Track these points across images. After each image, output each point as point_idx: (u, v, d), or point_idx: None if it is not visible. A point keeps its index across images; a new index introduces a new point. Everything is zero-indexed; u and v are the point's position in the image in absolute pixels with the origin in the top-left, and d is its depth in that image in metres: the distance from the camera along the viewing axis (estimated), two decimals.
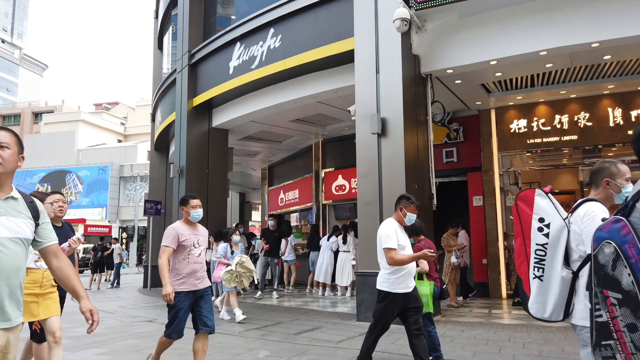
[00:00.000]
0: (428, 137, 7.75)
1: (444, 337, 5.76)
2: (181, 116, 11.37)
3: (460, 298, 8.90)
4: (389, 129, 7.14)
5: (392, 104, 7.15)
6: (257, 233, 16.42)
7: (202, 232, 4.28)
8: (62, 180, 36.89)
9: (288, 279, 11.81)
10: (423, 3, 6.94)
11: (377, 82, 7.34)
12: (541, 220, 2.38)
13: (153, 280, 13.48)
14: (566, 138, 9.46)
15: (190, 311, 4.05)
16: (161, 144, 15.01)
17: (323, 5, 8.40)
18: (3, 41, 77.61)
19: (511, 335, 5.91)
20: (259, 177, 18.25)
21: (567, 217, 2.35)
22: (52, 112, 50.35)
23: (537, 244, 2.37)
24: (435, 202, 7.59)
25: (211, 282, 5.77)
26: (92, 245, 19.61)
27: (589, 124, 9.27)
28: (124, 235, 34.47)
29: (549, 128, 9.58)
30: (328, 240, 10.97)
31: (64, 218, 3.99)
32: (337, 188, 12.58)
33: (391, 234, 3.91)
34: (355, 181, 10.51)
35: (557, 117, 9.51)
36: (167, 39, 15.09)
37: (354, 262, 9.85)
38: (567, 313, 2.32)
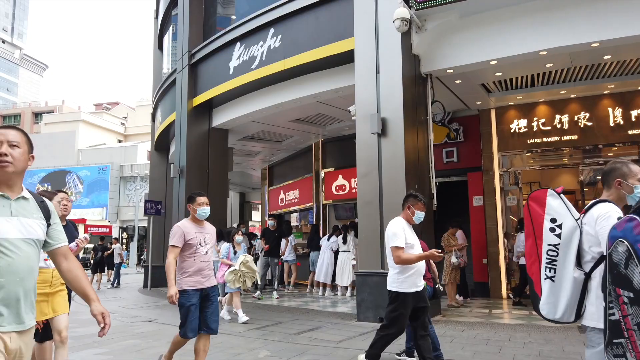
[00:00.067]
0: (428, 137, 7.75)
1: (444, 337, 5.76)
2: (181, 116, 11.37)
3: (461, 298, 8.90)
4: (389, 129, 7.14)
5: (392, 104, 7.15)
6: (258, 233, 16.43)
7: (209, 229, 4.23)
8: (62, 181, 36.88)
9: (288, 279, 11.82)
10: (423, 3, 6.94)
11: (377, 82, 7.34)
12: (553, 220, 2.35)
13: (153, 280, 13.49)
14: (566, 138, 9.46)
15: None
16: (161, 144, 15.01)
17: (323, 5, 8.40)
18: (3, 41, 77.62)
19: (511, 335, 5.91)
20: (259, 177, 18.25)
21: (579, 218, 2.33)
22: (52, 112, 50.37)
23: (548, 245, 2.34)
24: (436, 202, 7.60)
25: None
26: (92, 245, 19.60)
27: (589, 123, 9.27)
28: (124, 235, 34.49)
29: (549, 128, 9.58)
30: (328, 240, 10.97)
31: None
32: (337, 188, 12.58)
33: (399, 233, 3.90)
34: (355, 181, 10.51)
35: (557, 117, 9.51)
36: (167, 39, 15.09)
37: (354, 262, 9.85)
38: (579, 314, 2.29)
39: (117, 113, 54.64)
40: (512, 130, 9.89)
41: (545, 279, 2.36)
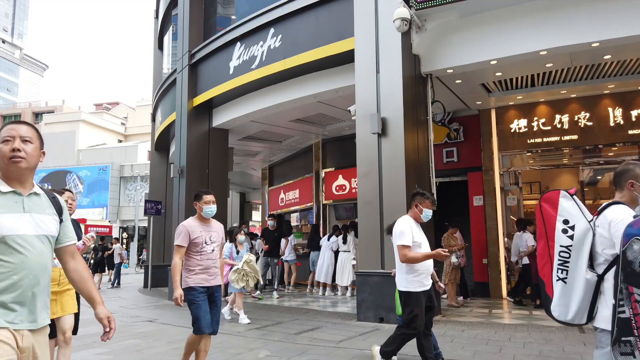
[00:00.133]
0: (428, 137, 7.75)
1: (444, 336, 5.76)
2: (181, 116, 11.37)
3: (461, 298, 8.90)
4: (389, 129, 7.14)
5: (392, 104, 7.15)
6: (258, 233, 16.43)
7: (216, 227, 4.18)
8: (63, 181, 36.87)
9: (288, 279, 11.82)
10: (423, 3, 6.94)
11: (377, 82, 7.34)
12: (565, 222, 2.34)
13: (153, 280, 13.50)
14: (566, 138, 9.46)
15: None
16: (161, 144, 15.02)
17: (323, 5, 8.40)
18: (3, 41, 77.64)
19: (511, 335, 5.91)
20: (259, 177, 18.25)
21: (592, 220, 2.31)
22: (53, 112, 50.33)
23: (561, 246, 2.33)
24: (436, 202, 7.58)
25: None
26: (92, 245, 19.59)
27: (590, 123, 9.27)
28: (125, 235, 34.50)
29: (549, 128, 9.57)
30: (328, 240, 10.97)
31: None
32: (337, 188, 12.58)
33: (406, 231, 3.88)
34: (355, 181, 10.50)
35: (558, 116, 9.51)
36: (167, 39, 15.09)
37: (354, 262, 9.85)
38: (591, 316, 2.28)
39: (117, 113, 54.64)
40: (512, 130, 9.89)
41: (557, 280, 2.34)
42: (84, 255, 22.66)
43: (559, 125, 9.50)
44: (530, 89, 9.29)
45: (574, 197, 2.37)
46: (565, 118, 9.45)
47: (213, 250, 4.06)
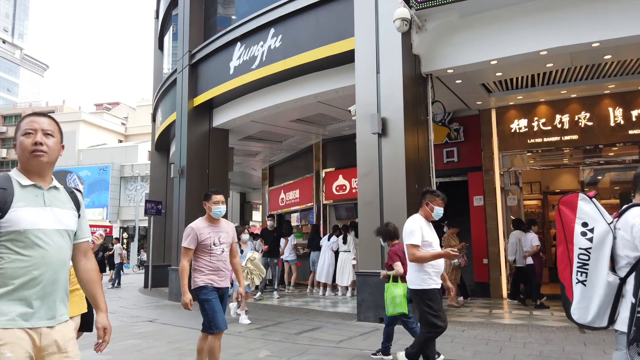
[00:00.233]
0: (428, 137, 7.75)
1: (445, 337, 5.74)
2: (182, 116, 11.37)
3: (461, 298, 8.90)
4: (390, 129, 7.14)
5: (393, 104, 7.15)
6: (258, 233, 16.43)
7: (226, 227, 4.10)
8: (63, 181, 36.69)
9: (289, 279, 11.82)
10: (423, 3, 6.94)
11: (378, 82, 7.34)
12: (585, 224, 2.33)
13: (154, 281, 13.51)
14: (567, 138, 9.45)
15: None
16: (162, 144, 15.02)
17: (323, 5, 8.40)
18: (4, 41, 77.67)
19: (512, 335, 5.91)
20: (259, 177, 18.25)
21: (612, 222, 2.30)
22: (53, 112, 50.28)
23: (580, 248, 2.32)
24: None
25: None
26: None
27: (590, 123, 9.26)
28: (125, 235, 34.51)
29: (549, 128, 9.57)
30: (328, 240, 10.98)
31: None
32: (337, 188, 12.58)
33: (415, 230, 3.85)
34: (355, 181, 10.50)
35: (558, 116, 9.51)
36: (167, 39, 15.09)
37: (354, 262, 9.85)
38: (612, 320, 2.26)
39: (117, 113, 54.69)
40: (512, 130, 9.89)
41: (576, 283, 2.33)
42: None
43: (559, 125, 9.50)
44: (531, 89, 9.29)
45: (593, 199, 2.35)
46: (566, 118, 9.45)
47: (223, 251, 3.98)
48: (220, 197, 4.03)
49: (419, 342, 3.94)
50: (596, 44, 6.60)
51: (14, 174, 1.90)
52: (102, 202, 36.30)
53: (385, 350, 4.84)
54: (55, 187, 1.96)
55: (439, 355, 4.45)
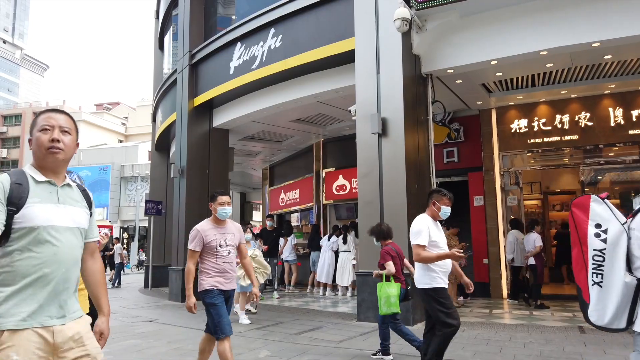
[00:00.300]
0: (429, 137, 7.75)
1: None
2: (182, 116, 11.38)
3: (461, 298, 8.90)
4: (390, 129, 7.14)
5: (393, 104, 7.15)
6: (258, 232, 16.44)
7: (232, 229, 4.04)
8: None
9: (289, 279, 11.82)
10: (423, 3, 6.94)
11: (378, 82, 7.34)
12: (598, 226, 2.32)
13: (154, 281, 13.51)
14: (567, 138, 9.45)
15: None
16: (162, 144, 15.02)
17: (323, 5, 8.40)
18: (4, 41, 77.70)
19: (512, 335, 5.91)
20: (259, 177, 18.26)
21: (626, 222, 2.29)
22: None
23: (594, 250, 2.31)
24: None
25: None
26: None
27: (590, 123, 9.26)
28: (125, 235, 34.53)
29: (549, 128, 9.57)
30: (329, 240, 10.98)
31: None
32: (337, 188, 12.58)
33: (422, 230, 3.81)
34: (355, 181, 10.51)
35: (558, 116, 9.50)
36: (167, 39, 15.10)
37: (354, 262, 9.85)
38: (631, 321, 2.23)
39: (117, 113, 54.72)
40: (512, 130, 9.89)
41: (592, 284, 2.31)
42: None
43: (559, 125, 9.50)
44: (531, 89, 9.29)
45: (606, 200, 2.34)
46: (566, 118, 9.45)
47: (229, 252, 3.93)
48: (226, 198, 3.99)
49: (437, 343, 3.80)
50: (596, 44, 6.59)
51: (28, 169, 1.88)
52: (102, 202, 36.31)
53: (385, 349, 4.84)
54: (68, 185, 1.95)
55: None
